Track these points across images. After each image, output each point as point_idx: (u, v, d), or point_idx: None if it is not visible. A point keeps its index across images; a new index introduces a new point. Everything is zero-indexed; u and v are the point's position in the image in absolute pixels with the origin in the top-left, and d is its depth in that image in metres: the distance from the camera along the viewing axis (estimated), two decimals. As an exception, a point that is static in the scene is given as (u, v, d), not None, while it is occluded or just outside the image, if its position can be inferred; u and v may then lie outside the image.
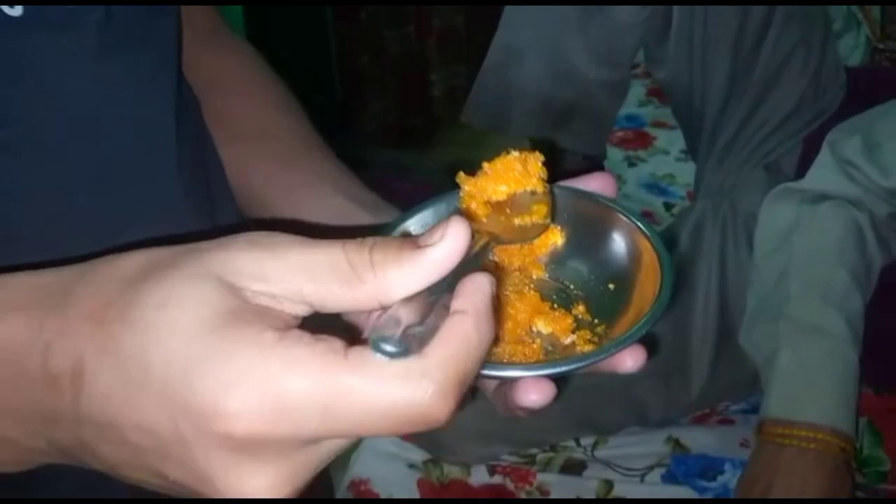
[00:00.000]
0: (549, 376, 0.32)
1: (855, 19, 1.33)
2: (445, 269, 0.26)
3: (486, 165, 0.34)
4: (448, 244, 0.26)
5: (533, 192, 0.33)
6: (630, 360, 0.33)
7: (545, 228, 0.34)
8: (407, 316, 0.25)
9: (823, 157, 0.88)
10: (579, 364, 0.32)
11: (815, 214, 0.86)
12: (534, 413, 0.34)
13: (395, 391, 0.24)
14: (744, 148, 1.01)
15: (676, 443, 0.92)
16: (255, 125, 0.52)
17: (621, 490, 0.87)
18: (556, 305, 0.37)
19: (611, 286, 0.37)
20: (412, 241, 0.27)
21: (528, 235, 0.34)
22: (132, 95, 0.41)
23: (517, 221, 0.33)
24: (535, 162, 0.33)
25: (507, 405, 0.35)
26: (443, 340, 0.25)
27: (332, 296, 0.26)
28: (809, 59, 1.01)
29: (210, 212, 0.48)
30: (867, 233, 0.85)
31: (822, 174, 0.88)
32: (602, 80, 1.07)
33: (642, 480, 0.88)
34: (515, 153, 0.33)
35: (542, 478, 0.88)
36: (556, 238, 0.37)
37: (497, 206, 0.32)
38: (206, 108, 0.50)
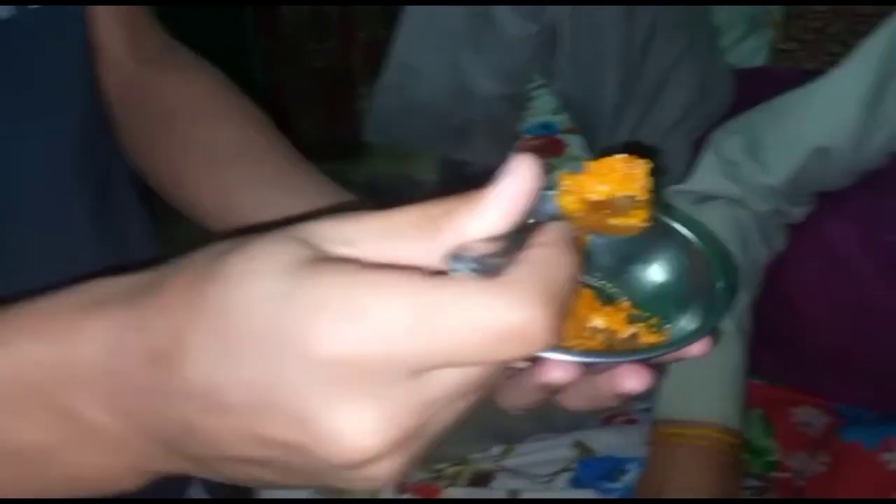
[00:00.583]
0: (645, 360, 0.33)
1: (758, 21, 1.37)
2: (518, 205, 0.27)
3: (587, 163, 0.33)
4: (516, 178, 0.27)
5: (633, 198, 0.32)
6: (697, 346, 0.33)
7: (636, 232, 0.34)
8: (484, 248, 0.26)
9: (707, 157, 0.91)
10: (669, 350, 0.33)
11: (700, 215, 0.88)
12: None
13: (494, 299, 0.24)
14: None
15: (583, 446, 0.94)
16: (238, 148, 0.52)
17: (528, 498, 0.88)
18: (603, 302, 0.38)
19: (647, 280, 0.38)
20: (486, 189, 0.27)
21: (617, 235, 0.34)
22: (29, 136, 0.41)
23: (612, 221, 0.33)
24: (642, 168, 0.33)
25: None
26: (527, 262, 0.25)
27: (414, 251, 0.27)
28: (695, 66, 1.04)
29: (122, 247, 0.48)
30: (751, 231, 0.88)
31: (706, 175, 0.90)
32: (500, 94, 1.09)
33: (549, 486, 0.90)
34: (621, 156, 0.33)
35: (449, 492, 0.89)
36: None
37: (594, 206, 0.32)
38: (175, 134, 0.50)
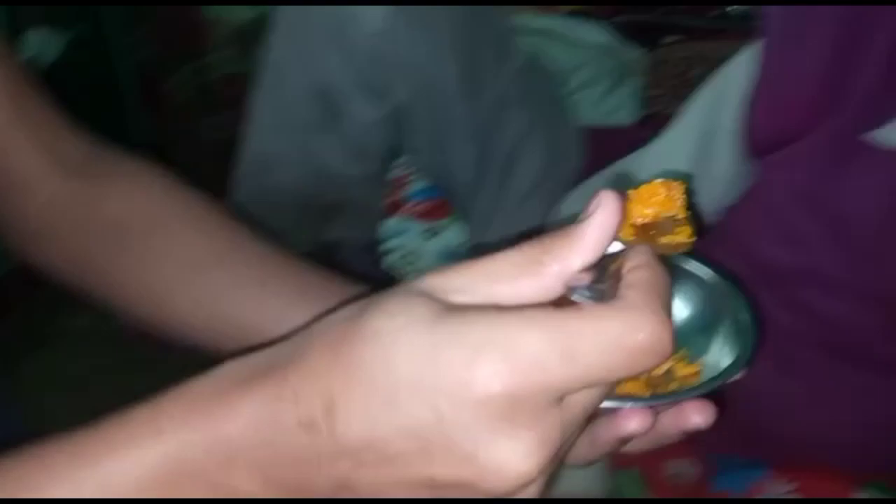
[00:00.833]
0: (706, 393, 0.35)
1: (625, 72, 1.40)
2: (609, 234, 0.30)
3: (631, 192, 0.36)
4: (604, 209, 0.30)
5: (675, 217, 0.36)
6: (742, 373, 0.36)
7: (687, 247, 0.37)
8: (588, 277, 0.30)
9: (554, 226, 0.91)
10: (723, 379, 0.35)
11: None
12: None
13: (622, 321, 0.27)
14: (497, 229, 1.05)
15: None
16: (216, 253, 0.50)
17: None
18: None
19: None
20: (573, 225, 0.31)
21: (671, 251, 0.37)
22: None
23: (663, 240, 0.35)
24: (678, 189, 0.36)
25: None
26: (635, 284, 0.29)
27: (523, 289, 0.30)
28: (545, 133, 1.05)
29: None
30: None
31: None
32: (359, 175, 1.09)
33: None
34: (660, 181, 0.36)
35: None
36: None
37: (643, 229, 0.35)
38: (132, 250, 0.47)
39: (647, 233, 0.35)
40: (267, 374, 0.29)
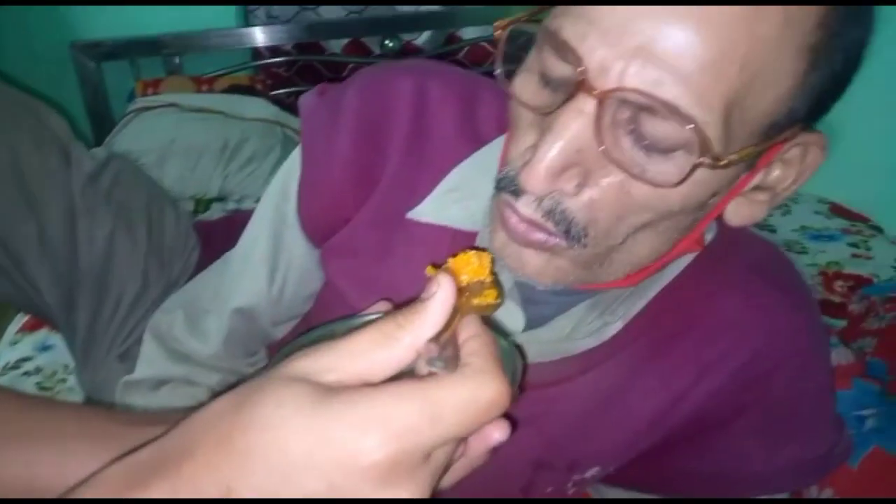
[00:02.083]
0: None
1: (291, 143, 1.41)
2: (449, 308, 0.37)
3: (450, 260, 0.43)
4: (444, 289, 0.37)
5: (484, 282, 0.43)
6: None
7: (497, 307, 0.43)
8: (437, 348, 0.36)
9: (147, 343, 0.85)
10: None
11: (157, 401, 0.82)
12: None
13: (472, 385, 0.34)
14: (101, 341, 0.97)
15: None
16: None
17: None
18: None
19: None
20: (416, 302, 0.37)
21: (484, 312, 0.42)
22: None
23: (476, 301, 0.41)
24: (487, 258, 0.43)
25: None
26: (475, 352, 0.36)
27: (381, 362, 0.35)
28: (137, 238, 0.99)
29: None
30: None
31: (151, 360, 0.84)
32: None
33: None
34: (473, 251, 0.43)
35: None
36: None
37: (459, 291, 0.40)
38: None
39: (462, 295, 0.41)
40: (159, 471, 0.32)
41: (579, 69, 0.46)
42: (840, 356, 1.11)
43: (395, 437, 0.31)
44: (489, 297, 0.43)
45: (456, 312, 0.39)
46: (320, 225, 0.74)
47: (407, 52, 2.45)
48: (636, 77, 0.45)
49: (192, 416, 0.34)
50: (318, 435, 0.31)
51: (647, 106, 0.45)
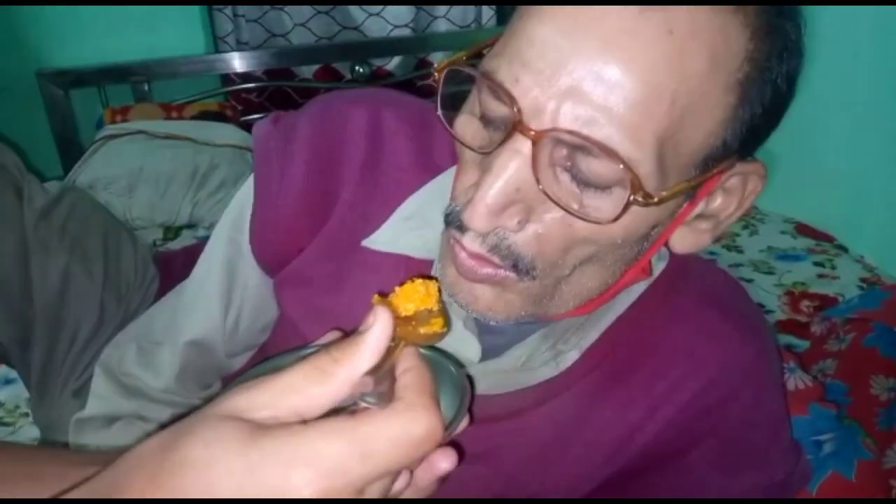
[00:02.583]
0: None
1: None
2: (386, 340, 0.37)
3: (397, 289, 0.43)
4: (380, 322, 0.37)
5: (431, 310, 0.43)
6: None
7: (443, 336, 0.44)
8: (372, 382, 0.36)
9: (98, 378, 0.84)
10: (450, 433, 0.42)
11: (108, 439, 0.81)
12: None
13: (403, 420, 0.34)
14: (56, 378, 0.95)
15: None
16: None
17: None
18: None
19: None
20: (354, 335, 0.37)
21: (430, 340, 0.43)
22: None
23: (422, 330, 0.42)
24: (434, 286, 0.44)
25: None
26: (408, 385, 0.36)
27: (316, 397, 0.35)
28: (92, 272, 0.97)
29: None
30: None
31: (101, 396, 0.83)
32: None
33: None
34: (420, 280, 0.43)
35: None
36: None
37: (404, 321, 0.41)
38: None
39: (409, 324, 0.41)
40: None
41: (515, 110, 0.46)
42: (797, 381, 1.12)
43: (325, 475, 0.32)
44: (436, 325, 0.43)
45: (398, 343, 0.39)
46: (274, 255, 0.74)
47: (378, 76, 2.46)
48: (568, 117, 0.45)
49: (125, 455, 0.34)
50: (247, 473, 0.31)
51: (580, 145, 0.46)
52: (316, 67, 2.46)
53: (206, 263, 0.79)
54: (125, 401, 0.81)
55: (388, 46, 2.44)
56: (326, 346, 0.37)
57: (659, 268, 0.66)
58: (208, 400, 0.36)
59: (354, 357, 0.36)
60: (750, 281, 1.74)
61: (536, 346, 0.65)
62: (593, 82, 0.44)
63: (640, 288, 0.65)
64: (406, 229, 0.67)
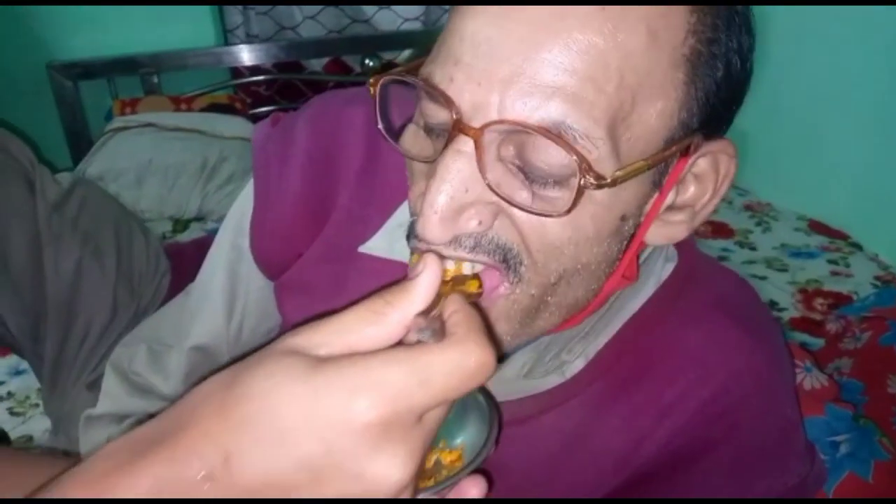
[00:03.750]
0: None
1: None
2: (435, 286, 0.38)
3: None
4: (430, 267, 0.38)
5: (465, 275, 0.48)
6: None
7: (479, 296, 0.48)
8: (425, 322, 0.37)
9: (108, 377, 0.83)
10: (486, 453, 0.43)
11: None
12: None
13: (458, 352, 0.35)
14: (69, 371, 0.95)
15: None
16: None
17: None
18: None
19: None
20: (404, 280, 0.38)
21: (469, 299, 0.44)
22: None
23: (459, 289, 0.45)
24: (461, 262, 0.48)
25: None
26: (459, 322, 0.37)
27: (371, 337, 0.36)
28: (105, 266, 0.97)
29: None
30: None
31: (112, 395, 0.82)
32: None
33: None
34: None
35: None
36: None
37: (444, 282, 0.42)
38: None
39: (448, 284, 0.45)
40: (159, 443, 0.33)
41: (454, 110, 0.45)
42: (813, 381, 1.10)
43: (387, 399, 0.32)
44: (472, 286, 0.46)
45: (440, 295, 0.40)
46: (274, 259, 0.74)
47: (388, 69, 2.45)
48: (517, 107, 0.44)
49: (185, 396, 0.35)
50: (311, 400, 0.32)
51: (522, 133, 0.45)
52: (326, 60, 2.45)
53: (210, 268, 0.79)
54: (135, 399, 0.81)
55: (398, 40, 2.43)
56: (378, 292, 0.38)
57: (667, 270, 0.64)
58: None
59: (407, 299, 0.37)
60: (763, 278, 1.72)
61: (540, 354, 0.64)
62: (534, 66, 0.43)
63: (647, 291, 0.64)
64: (401, 235, 0.64)
